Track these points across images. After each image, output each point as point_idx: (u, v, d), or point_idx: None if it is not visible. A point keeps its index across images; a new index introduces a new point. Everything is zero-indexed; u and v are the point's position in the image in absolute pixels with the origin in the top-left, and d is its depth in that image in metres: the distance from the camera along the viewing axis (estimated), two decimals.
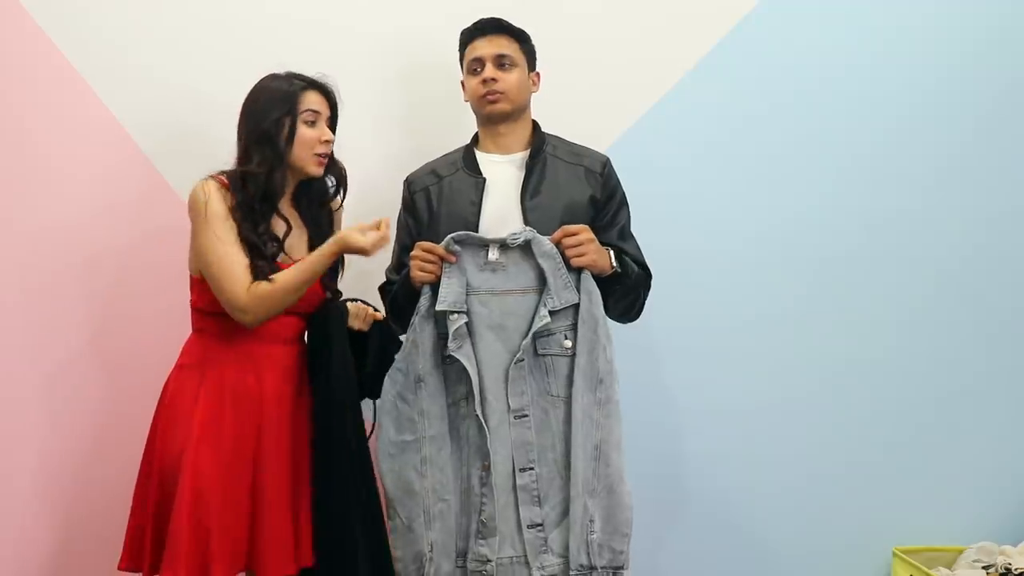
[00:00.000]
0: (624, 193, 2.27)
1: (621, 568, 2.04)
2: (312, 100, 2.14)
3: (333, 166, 2.22)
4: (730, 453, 2.70)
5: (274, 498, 2.06)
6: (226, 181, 2.10)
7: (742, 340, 2.71)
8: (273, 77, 2.15)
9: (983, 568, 2.58)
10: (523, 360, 2.04)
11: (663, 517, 2.70)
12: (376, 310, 2.21)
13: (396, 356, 2.13)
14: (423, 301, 2.07)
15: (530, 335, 2.03)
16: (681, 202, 2.70)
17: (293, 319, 2.14)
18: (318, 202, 2.23)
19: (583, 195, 2.19)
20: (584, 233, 2.07)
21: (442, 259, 2.06)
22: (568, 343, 2.06)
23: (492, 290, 2.06)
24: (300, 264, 2.05)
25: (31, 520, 2.53)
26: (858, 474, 2.72)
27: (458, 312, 2.04)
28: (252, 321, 2.04)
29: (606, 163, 2.25)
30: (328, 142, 2.15)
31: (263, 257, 2.05)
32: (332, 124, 2.20)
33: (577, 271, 2.06)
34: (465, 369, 2.04)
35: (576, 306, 2.06)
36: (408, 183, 2.29)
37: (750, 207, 2.72)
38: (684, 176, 2.71)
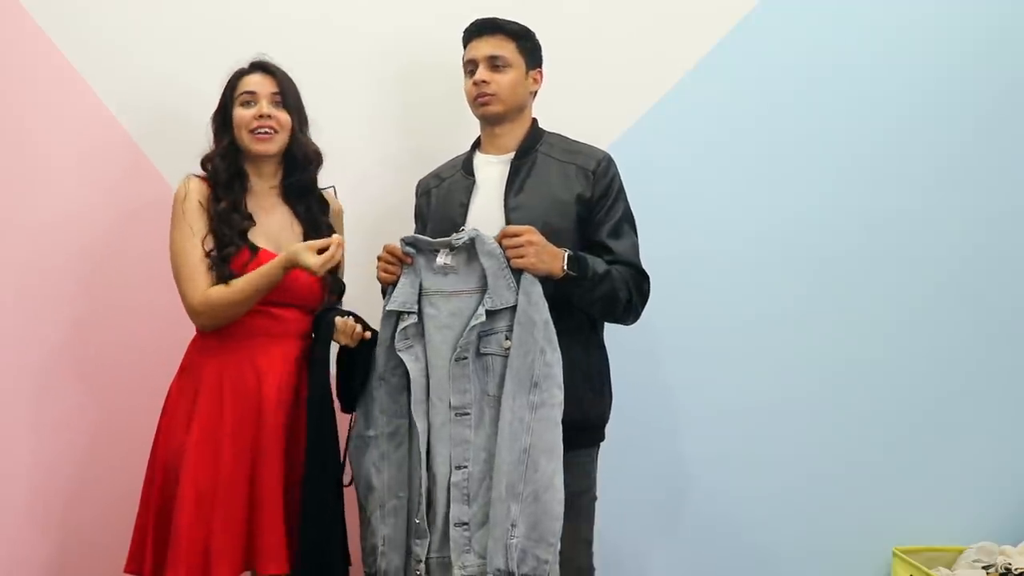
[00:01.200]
0: (622, 191, 2.21)
1: None
2: (249, 82, 2.18)
3: (299, 145, 2.20)
4: (730, 453, 2.70)
5: (271, 497, 2.06)
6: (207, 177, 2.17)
7: (742, 340, 2.70)
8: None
9: (983, 568, 2.58)
10: (466, 358, 2.02)
11: (662, 517, 2.70)
12: (367, 327, 2.16)
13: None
14: (385, 301, 2.10)
15: (466, 332, 2.01)
16: (681, 202, 2.69)
17: (294, 312, 2.15)
18: (311, 197, 2.25)
19: (569, 194, 2.15)
20: (526, 235, 2.01)
21: (401, 260, 2.09)
22: (508, 343, 2.02)
23: (442, 291, 2.06)
24: (252, 274, 2.07)
25: (28, 522, 2.53)
26: (858, 474, 2.72)
27: (407, 312, 2.06)
28: (206, 325, 2.10)
29: (601, 160, 2.20)
30: (262, 116, 2.15)
31: (231, 243, 2.09)
32: (286, 101, 2.19)
33: (518, 272, 2.02)
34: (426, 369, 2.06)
35: (513, 308, 2.02)
36: (417, 186, 2.33)
37: (750, 207, 2.72)
38: (684, 176, 2.71)
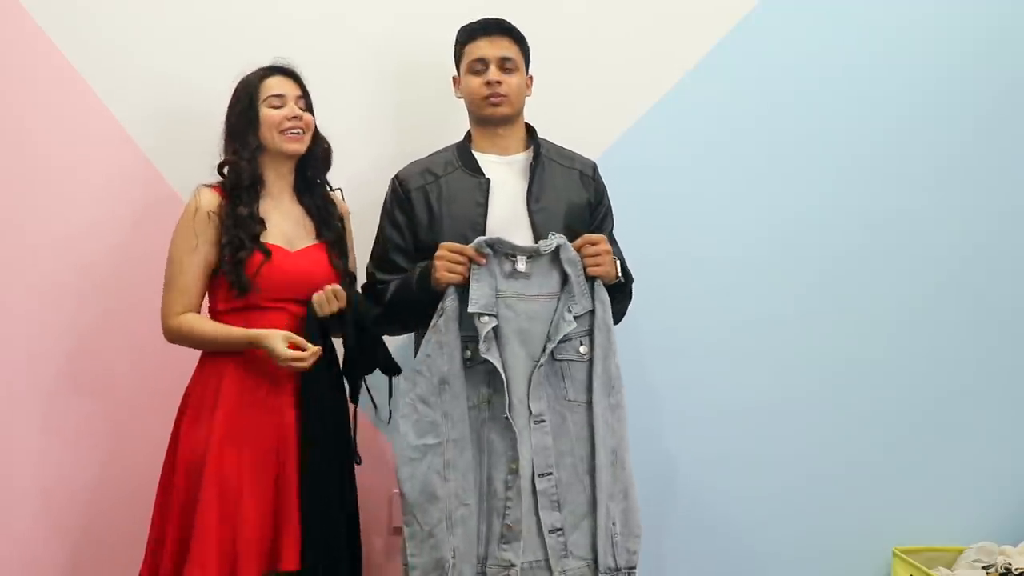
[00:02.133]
0: (609, 198, 2.29)
1: (634, 568, 2.08)
2: (274, 85, 2.21)
3: (317, 143, 2.26)
4: (730, 453, 2.70)
5: (291, 493, 2.09)
6: (218, 186, 2.18)
7: (741, 340, 2.70)
8: (243, 76, 2.23)
9: (983, 568, 2.58)
10: (543, 365, 2.04)
11: (662, 517, 2.70)
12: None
13: (415, 359, 2.09)
14: (449, 303, 2.03)
15: (553, 338, 2.03)
16: (681, 202, 2.69)
17: (304, 310, 2.16)
18: (321, 192, 2.28)
19: (581, 198, 2.22)
20: (603, 243, 2.09)
21: (471, 261, 2.03)
22: (584, 348, 2.08)
23: (518, 294, 2.06)
24: (221, 331, 2.11)
25: (40, 531, 2.53)
26: (858, 474, 2.72)
27: (489, 315, 2.01)
28: (170, 341, 2.17)
29: (595, 167, 2.30)
30: (296, 118, 2.19)
31: (243, 247, 2.11)
32: (307, 103, 2.25)
33: (591, 279, 2.07)
34: (488, 372, 2.03)
35: (590, 313, 2.08)
36: (401, 181, 2.23)
37: (750, 207, 2.72)
38: (684, 176, 2.71)
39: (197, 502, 2.03)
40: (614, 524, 2.05)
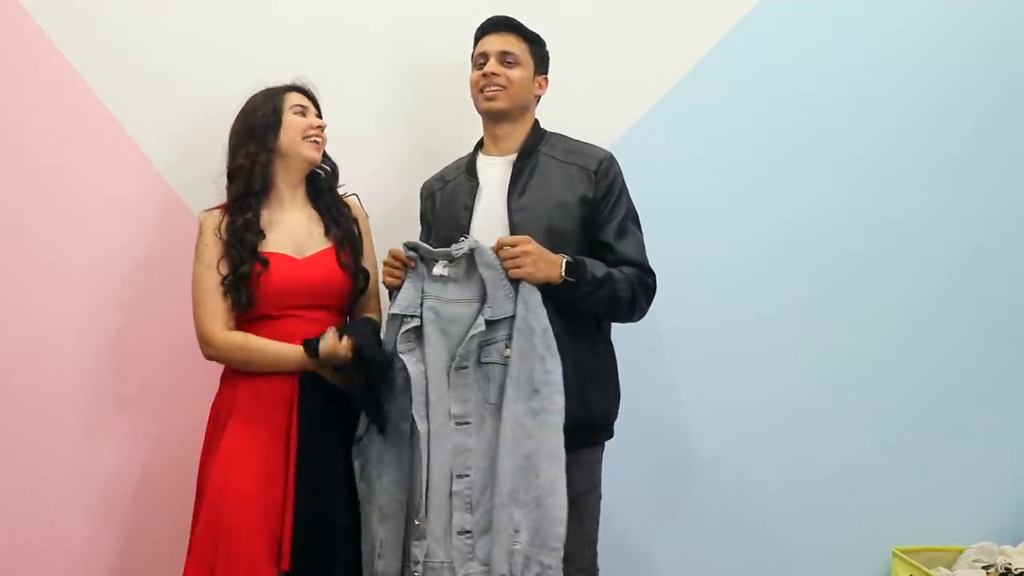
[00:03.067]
0: (625, 189, 2.22)
1: None
2: (296, 98, 2.26)
3: (325, 160, 2.31)
4: (730, 453, 2.70)
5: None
6: (221, 205, 2.22)
7: (741, 340, 2.70)
8: (261, 88, 2.28)
9: (983, 568, 2.58)
10: (466, 367, 2.03)
11: (663, 516, 2.70)
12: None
13: None
14: (390, 304, 2.12)
15: (465, 342, 2.02)
16: (681, 202, 2.69)
17: (322, 313, 2.18)
18: (328, 195, 2.31)
19: (573, 195, 2.15)
20: (522, 244, 2.01)
21: (405, 263, 2.10)
22: (508, 351, 2.03)
23: (441, 298, 2.07)
24: (276, 352, 2.11)
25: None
26: (858, 474, 2.72)
27: (410, 316, 2.06)
28: (213, 358, 2.15)
29: (603, 160, 2.19)
30: (320, 127, 2.25)
31: (244, 262, 2.13)
32: (321, 116, 2.30)
33: (516, 281, 2.03)
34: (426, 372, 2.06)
35: (513, 317, 2.03)
36: (422, 188, 2.35)
37: (750, 206, 2.72)
38: (684, 176, 2.71)
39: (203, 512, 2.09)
40: (516, 532, 1.96)
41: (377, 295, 2.33)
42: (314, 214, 2.28)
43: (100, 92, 2.57)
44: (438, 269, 2.06)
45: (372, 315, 2.29)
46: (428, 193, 2.31)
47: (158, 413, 2.57)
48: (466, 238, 2.07)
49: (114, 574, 2.55)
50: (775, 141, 2.72)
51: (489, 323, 2.01)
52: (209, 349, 2.14)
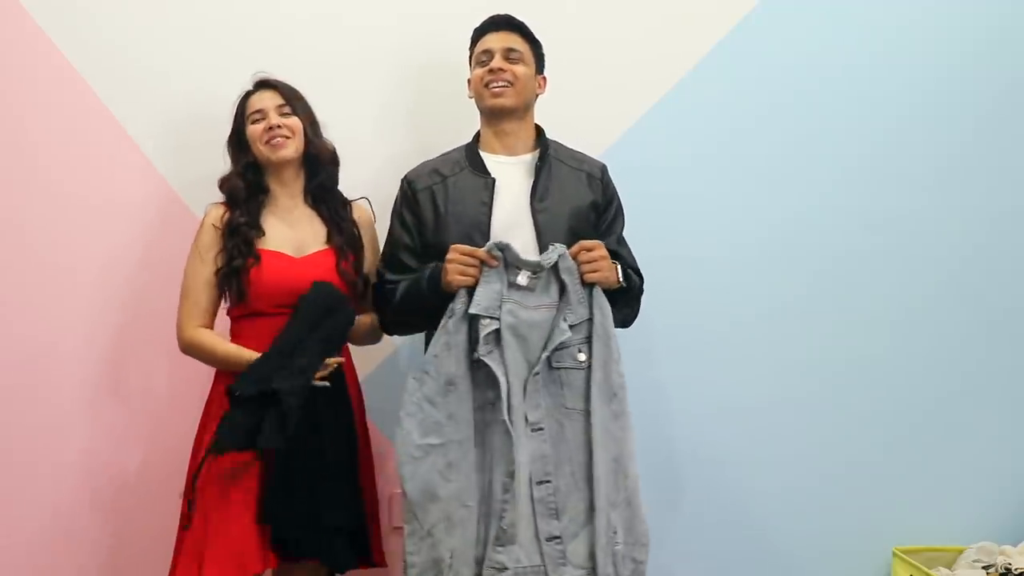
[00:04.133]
0: (620, 200, 2.28)
1: None
2: (255, 101, 2.27)
3: (315, 147, 2.28)
4: (730, 453, 2.70)
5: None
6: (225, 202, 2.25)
7: (741, 340, 2.70)
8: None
9: (983, 568, 2.58)
10: (539, 373, 2.03)
11: (662, 517, 2.69)
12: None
13: (424, 358, 2.07)
14: (459, 304, 2.03)
15: (549, 347, 2.02)
16: (681, 202, 2.69)
17: None
18: (332, 197, 2.31)
19: (586, 200, 2.20)
20: (599, 249, 2.06)
21: (482, 263, 2.03)
22: (582, 356, 2.05)
23: (520, 302, 2.04)
24: (232, 352, 2.15)
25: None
26: (858, 474, 2.71)
27: (491, 318, 2.01)
28: (184, 352, 2.23)
29: (604, 169, 2.29)
30: (273, 128, 2.23)
31: (238, 255, 2.16)
32: (294, 109, 2.27)
33: (589, 286, 2.06)
34: (493, 374, 2.01)
35: (589, 320, 2.06)
36: (409, 181, 2.24)
37: (750, 207, 2.72)
38: (684, 176, 2.70)
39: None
40: (615, 533, 2.03)
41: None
42: (315, 215, 2.28)
43: (100, 92, 2.57)
44: (522, 279, 2.03)
45: (366, 319, 2.29)
46: (423, 187, 2.21)
47: (157, 411, 2.57)
48: (554, 247, 2.05)
49: (113, 566, 2.55)
50: (775, 141, 2.72)
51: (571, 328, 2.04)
52: (179, 343, 2.22)
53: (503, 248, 2.03)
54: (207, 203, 2.25)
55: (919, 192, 2.74)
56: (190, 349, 2.21)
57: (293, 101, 2.27)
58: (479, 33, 2.26)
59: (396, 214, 2.26)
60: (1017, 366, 2.76)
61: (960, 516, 2.73)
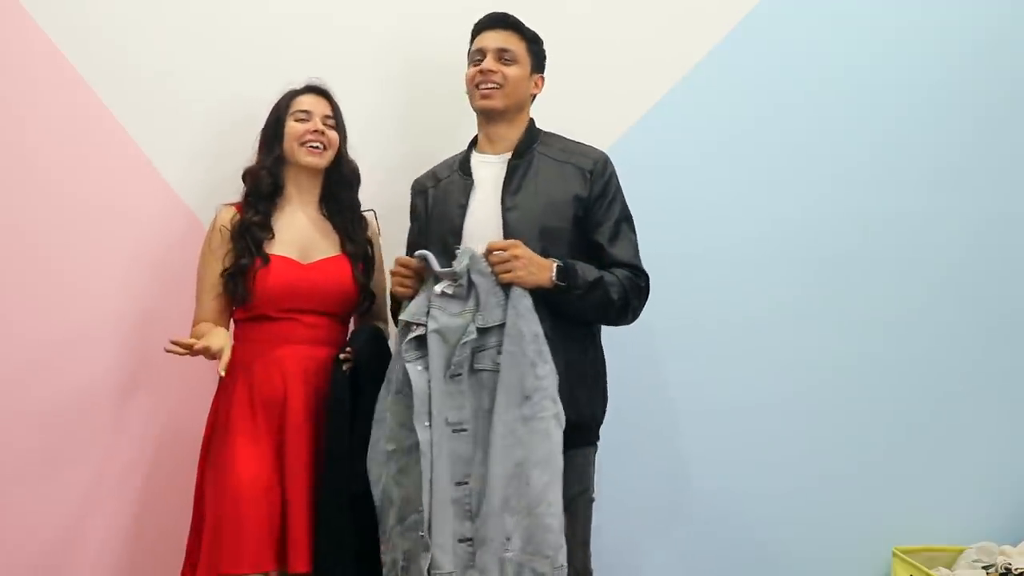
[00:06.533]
0: (620, 191, 2.21)
1: None
2: (304, 102, 2.27)
3: (343, 164, 2.30)
4: (729, 454, 2.69)
5: (299, 499, 2.11)
6: (239, 203, 2.26)
7: (741, 341, 2.70)
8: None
9: (983, 568, 2.58)
10: (460, 374, 2.01)
11: (662, 517, 2.70)
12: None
13: (389, 365, 2.12)
14: (400, 313, 2.09)
15: (458, 349, 2.00)
16: (681, 202, 2.69)
17: (321, 319, 2.20)
18: (349, 210, 2.31)
19: (566, 194, 2.14)
20: (512, 249, 2.01)
21: (416, 272, 2.07)
22: (500, 359, 2.01)
23: (443, 308, 2.04)
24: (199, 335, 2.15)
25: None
26: (858, 474, 2.71)
27: (417, 324, 2.03)
28: None
29: (598, 160, 2.19)
30: (316, 132, 2.24)
31: (246, 255, 2.17)
32: (337, 123, 2.29)
33: (507, 287, 2.02)
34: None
35: (503, 324, 2.02)
36: (413, 185, 2.30)
37: (750, 207, 2.72)
38: (684, 176, 2.70)
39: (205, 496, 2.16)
40: (508, 539, 1.95)
41: (386, 307, 2.35)
42: (327, 223, 2.29)
43: (101, 93, 2.57)
44: (446, 288, 2.03)
45: (379, 323, 2.32)
46: (419, 190, 2.28)
47: (167, 408, 2.57)
48: (458, 249, 2.04)
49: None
50: (775, 142, 2.72)
51: (481, 330, 2.00)
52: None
53: (424, 258, 2.05)
54: (208, 204, 2.25)
55: (919, 193, 2.74)
56: None
57: (337, 115, 2.30)
58: (476, 30, 2.26)
59: (409, 217, 2.32)
60: (1016, 366, 2.76)
61: (960, 516, 2.73)
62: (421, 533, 1.99)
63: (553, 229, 2.11)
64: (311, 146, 2.23)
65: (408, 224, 2.33)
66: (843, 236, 2.73)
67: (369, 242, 2.32)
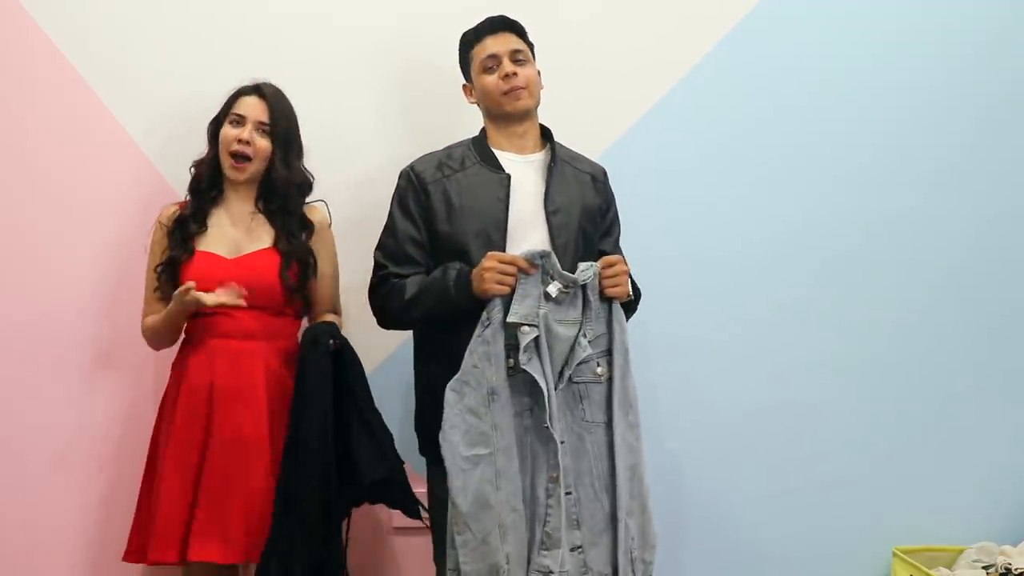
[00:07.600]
0: (616, 205, 2.30)
1: None
2: (242, 104, 2.27)
3: (277, 174, 2.26)
4: (729, 454, 2.70)
5: (214, 487, 2.13)
6: (182, 201, 2.33)
7: (741, 342, 2.70)
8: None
9: (983, 568, 2.58)
10: (560, 389, 2.04)
11: (662, 518, 2.66)
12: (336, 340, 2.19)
13: (462, 368, 2.03)
14: (495, 313, 2.00)
15: (571, 363, 2.03)
16: (681, 204, 2.69)
17: (247, 313, 2.20)
18: (291, 219, 2.29)
19: (593, 202, 2.21)
20: (620, 264, 2.08)
21: (520, 271, 2.01)
22: (600, 369, 2.07)
23: (551, 316, 2.03)
24: (160, 315, 2.23)
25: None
26: (858, 474, 2.71)
27: (530, 325, 1.99)
28: (149, 345, 2.33)
29: (605, 172, 2.30)
30: (243, 142, 2.23)
31: (177, 248, 2.24)
32: (273, 130, 2.25)
33: (608, 300, 2.07)
34: (528, 381, 2.01)
35: (606, 334, 2.08)
36: (417, 173, 2.18)
37: (750, 209, 2.72)
38: (683, 178, 2.70)
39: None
40: (632, 539, 2.06)
41: (337, 299, 2.36)
42: (262, 218, 2.29)
43: (100, 92, 2.57)
44: (553, 290, 2.01)
45: (330, 317, 2.32)
46: (432, 179, 2.17)
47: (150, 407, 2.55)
48: (589, 265, 2.05)
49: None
50: (775, 143, 2.72)
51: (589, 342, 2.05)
52: (144, 338, 2.32)
53: (544, 256, 2.02)
54: None
55: (920, 193, 2.74)
56: (146, 337, 2.30)
57: (277, 121, 2.26)
58: (476, 37, 2.23)
59: (400, 205, 2.19)
60: (1017, 367, 2.76)
61: (960, 516, 2.73)
62: (548, 531, 2.01)
63: (588, 235, 2.17)
64: (236, 159, 2.24)
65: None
66: (844, 237, 2.73)
67: (309, 249, 2.28)
